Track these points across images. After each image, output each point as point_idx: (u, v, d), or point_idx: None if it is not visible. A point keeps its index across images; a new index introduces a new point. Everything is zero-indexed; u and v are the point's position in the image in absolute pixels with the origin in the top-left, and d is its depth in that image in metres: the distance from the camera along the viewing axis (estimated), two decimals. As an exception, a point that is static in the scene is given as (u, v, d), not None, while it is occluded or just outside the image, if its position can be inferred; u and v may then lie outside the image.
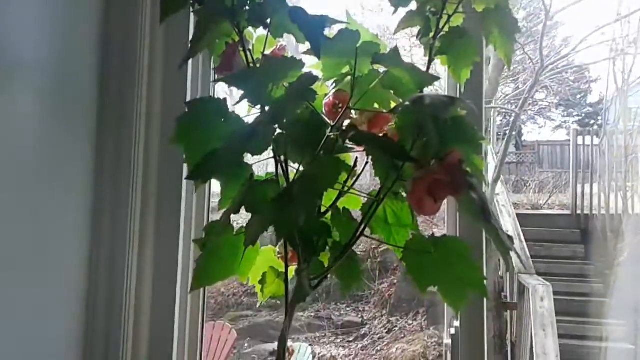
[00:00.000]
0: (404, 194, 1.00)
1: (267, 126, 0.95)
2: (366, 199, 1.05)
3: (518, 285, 4.60)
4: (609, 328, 5.20)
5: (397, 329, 6.15)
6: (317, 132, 0.99)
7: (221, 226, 0.99)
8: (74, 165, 1.29)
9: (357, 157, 1.10)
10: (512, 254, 0.82)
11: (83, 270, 1.30)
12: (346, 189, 1.07)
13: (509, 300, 4.87)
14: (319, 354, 6.01)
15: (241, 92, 1.00)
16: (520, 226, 5.55)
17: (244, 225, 1.07)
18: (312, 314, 6.48)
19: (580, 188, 6.88)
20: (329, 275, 1.02)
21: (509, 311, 4.88)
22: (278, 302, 6.87)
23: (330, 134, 0.96)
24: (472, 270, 0.89)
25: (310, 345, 5.98)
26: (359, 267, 1.04)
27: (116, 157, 1.30)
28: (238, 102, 1.03)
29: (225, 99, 1.10)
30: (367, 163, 1.08)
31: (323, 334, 6.30)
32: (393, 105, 1.04)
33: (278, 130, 1.03)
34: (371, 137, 0.87)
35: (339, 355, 5.97)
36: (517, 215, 5.84)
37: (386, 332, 6.16)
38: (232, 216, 1.02)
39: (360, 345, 6.05)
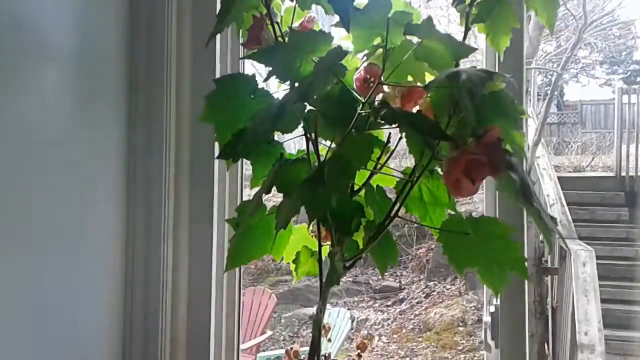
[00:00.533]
0: (440, 172, 0.95)
1: (296, 103, 0.91)
2: (401, 177, 1.01)
3: (559, 249, 4.51)
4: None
5: (435, 293, 6.14)
6: (348, 109, 0.95)
7: (253, 206, 0.97)
8: (105, 150, 1.28)
9: (390, 133, 1.06)
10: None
11: (119, 251, 1.30)
12: (379, 166, 1.04)
13: (549, 265, 4.79)
14: (357, 317, 6.05)
15: (269, 68, 0.97)
16: (562, 189, 5.41)
17: (277, 204, 1.05)
18: (350, 279, 6.50)
19: (624, 149, 6.65)
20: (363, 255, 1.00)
21: (549, 276, 4.80)
22: (316, 267, 6.96)
23: (362, 110, 0.92)
24: (512, 252, 0.85)
25: (348, 309, 6.03)
26: (394, 247, 1.01)
27: (147, 139, 1.29)
28: (267, 79, 0.99)
29: (254, 75, 1.06)
30: (400, 139, 1.04)
31: (361, 299, 6.34)
32: (428, 78, 0.99)
33: (308, 107, 1.00)
34: (404, 115, 0.82)
35: (377, 319, 6.01)
36: (559, 178, 5.70)
37: (424, 297, 6.16)
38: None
39: (398, 310, 6.07)
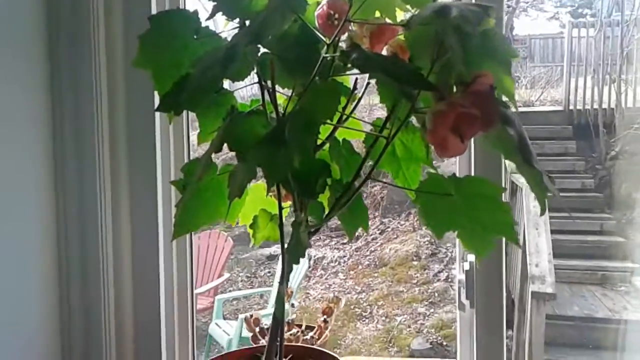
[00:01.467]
0: (415, 123, 0.83)
1: (248, 45, 0.76)
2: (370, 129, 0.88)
3: (510, 184, 4.52)
4: (600, 222, 5.21)
5: (389, 229, 6.15)
6: (309, 51, 0.79)
7: (201, 167, 0.82)
8: (25, 103, 1.09)
9: (356, 79, 0.91)
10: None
11: (51, 226, 1.13)
12: (345, 117, 0.90)
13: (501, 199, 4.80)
14: (314, 256, 6.04)
15: (214, 3, 0.81)
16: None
17: (228, 161, 0.91)
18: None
19: (573, 82, 6.67)
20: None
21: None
22: (272, 207, 6.87)
23: (326, 53, 0.77)
24: (500, 214, 0.74)
25: (305, 248, 5.98)
26: (364, 210, 0.89)
27: (74, 89, 1.09)
28: (211, 16, 0.83)
29: (196, 12, 0.89)
30: (368, 85, 0.90)
31: (317, 237, 6.31)
32: (399, 15, 0.84)
33: (262, 50, 0.85)
34: (379, 60, 0.68)
35: (334, 257, 6.01)
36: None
37: (379, 233, 6.17)
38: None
39: (354, 247, 6.08)
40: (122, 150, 1.12)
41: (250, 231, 0.96)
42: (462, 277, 1.12)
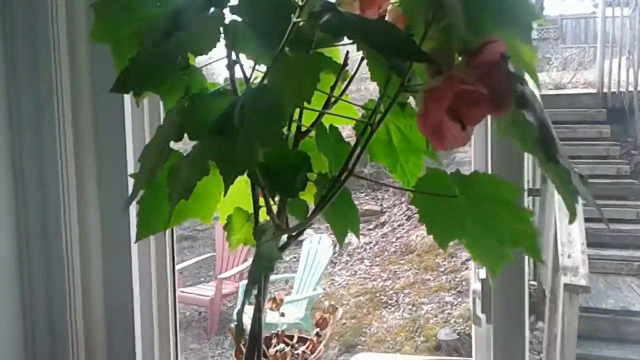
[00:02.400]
0: (414, 106, 0.66)
1: (206, 9, 0.60)
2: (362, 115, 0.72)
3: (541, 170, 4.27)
4: (636, 210, 4.92)
5: (416, 216, 5.96)
6: (281, 17, 0.63)
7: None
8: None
9: (347, 52, 0.75)
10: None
11: (10, 229, 0.99)
12: (333, 100, 0.74)
13: (532, 186, 4.57)
14: (340, 242, 5.88)
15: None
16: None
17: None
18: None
19: (607, 64, 6.32)
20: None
21: (531, 197, 4.60)
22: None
23: (299, 19, 0.60)
24: (518, 222, 0.57)
25: (330, 234, 5.86)
26: (354, 209, 0.73)
27: (31, 68, 0.94)
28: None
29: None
30: (363, 60, 0.74)
31: (344, 223, 6.15)
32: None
33: (230, 17, 0.69)
34: (356, 24, 0.51)
35: (359, 243, 5.86)
36: (540, 96, 5.39)
37: (406, 219, 5.99)
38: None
39: (380, 233, 5.91)
40: (88, 139, 0.98)
41: (225, 233, 0.81)
42: (478, 286, 0.95)
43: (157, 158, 0.66)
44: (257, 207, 0.74)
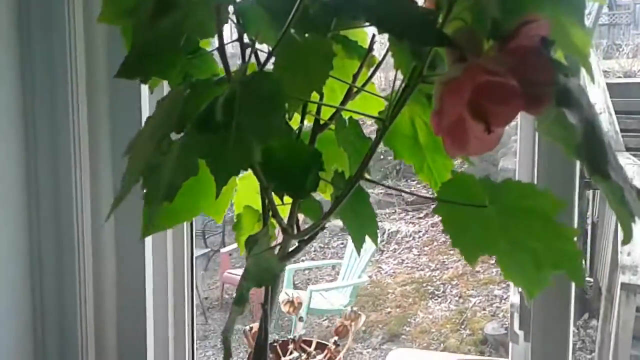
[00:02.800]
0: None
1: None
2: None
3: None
4: None
5: (469, 205, 5.77)
6: (290, -5, 0.55)
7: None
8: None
9: (374, 35, 0.66)
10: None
11: (22, 218, 0.95)
12: (355, 90, 0.66)
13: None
14: (388, 230, 5.79)
15: None
16: (610, 97, 4.82)
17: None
18: (382, 191, 6.19)
19: (682, 51, 5.90)
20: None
21: (591, 190, 4.35)
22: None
23: (306, -3, 0.52)
24: (559, 241, 0.47)
25: (379, 222, 5.76)
26: (370, 212, 0.64)
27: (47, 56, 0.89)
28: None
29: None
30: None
31: (393, 211, 6.05)
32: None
33: (242, -4, 0.62)
34: (365, 0, 0.43)
35: (408, 231, 5.74)
36: (607, 84, 5.08)
37: (457, 209, 5.81)
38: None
39: (430, 222, 5.76)
40: (104, 130, 0.92)
41: (236, 234, 0.74)
42: (517, 299, 0.85)
43: (154, 151, 0.59)
44: (265, 207, 0.67)
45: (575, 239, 0.47)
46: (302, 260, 5.47)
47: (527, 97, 0.37)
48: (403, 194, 6.15)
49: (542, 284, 0.50)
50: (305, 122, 0.72)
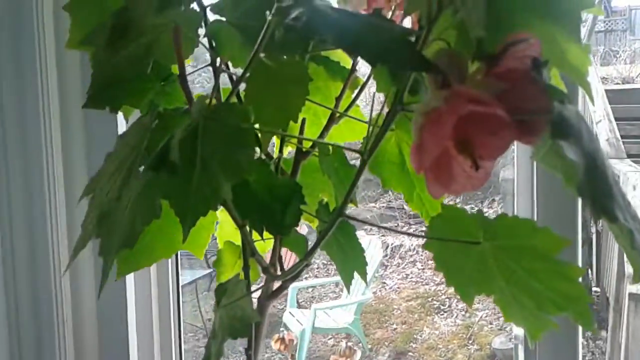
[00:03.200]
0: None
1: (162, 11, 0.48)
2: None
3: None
4: None
5: (472, 218, 5.71)
6: (259, 17, 0.50)
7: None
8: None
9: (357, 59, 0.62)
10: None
11: None
12: (338, 115, 0.61)
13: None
14: (391, 244, 5.73)
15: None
16: (610, 103, 4.78)
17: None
18: (384, 205, 6.14)
19: (680, 56, 5.87)
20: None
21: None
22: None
23: (274, 15, 0.47)
24: (562, 282, 0.42)
25: (382, 236, 5.71)
26: (358, 247, 0.59)
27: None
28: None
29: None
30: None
31: (395, 224, 5.98)
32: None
33: (213, 16, 0.57)
34: (334, 20, 0.38)
35: (411, 245, 5.67)
36: (606, 91, 5.05)
37: (460, 221, 5.74)
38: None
39: (433, 236, 5.69)
40: (79, 162, 0.87)
41: (217, 271, 0.69)
42: (520, 331, 0.79)
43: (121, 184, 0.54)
44: (245, 243, 0.62)
45: (578, 279, 0.42)
46: (305, 278, 5.40)
47: (518, 126, 0.33)
48: (405, 207, 6.08)
49: (545, 326, 0.46)
50: (290, 149, 0.67)
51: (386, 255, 5.49)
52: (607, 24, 9.33)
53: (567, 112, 0.32)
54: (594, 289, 4.47)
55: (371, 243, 4.83)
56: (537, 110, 0.32)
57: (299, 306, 4.76)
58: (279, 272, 0.59)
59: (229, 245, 0.67)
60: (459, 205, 0.48)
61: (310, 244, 0.58)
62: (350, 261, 0.59)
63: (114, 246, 0.42)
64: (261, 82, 0.48)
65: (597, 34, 8.61)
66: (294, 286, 4.69)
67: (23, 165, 0.84)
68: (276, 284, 0.62)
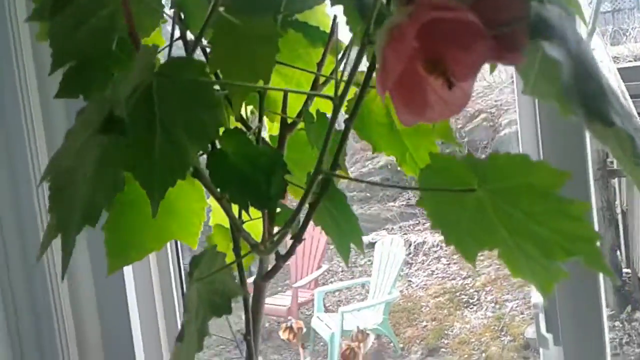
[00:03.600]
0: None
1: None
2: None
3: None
4: None
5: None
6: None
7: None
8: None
9: (335, 17, 0.58)
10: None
11: None
12: (321, 80, 0.57)
13: (615, 166, 4.15)
14: (414, 242, 5.65)
15: None
16: (623, 82, 4.67)
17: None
18: (404, 203, 6.07)
19: (692, 28, 5.73)
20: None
21: (617, 178, 4.18)
22: (368, 194, 6.47)
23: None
24: (566, 220, 0.38)
25: (404, 234, 5.64)
26: (351, 216, 0.55)
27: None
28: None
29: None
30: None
31: (417, 222, 5.91)
32: None
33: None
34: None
35: (434, 241, 5.59)
36: (619, 69, 4.93)
37: (482, 213, 5.65)
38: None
39: (456, 230, 5.60)
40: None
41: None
42: (539, 300, 0.74)
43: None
44: (235, 222, 0.58)
45: (584, 216, 0.37)
46: (330, 282, 5.36)
47: (497, 43, 0.28)
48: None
49: (555, 276, 0.41)
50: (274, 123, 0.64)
51: (410, 253, 5.41)
52: (614, 3, 9.17)
53: (547, 12, 0.28)
54: (624, 270, 4.34)
55: (393, 242, 4.78)
56: (513, 20, 0.28)
57: (327, 310, 4.71)
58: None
59: (219, 229, 0.63)
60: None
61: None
62: (345, 232, 0.55)
63: (73, 223, 0.39)
64: (227, 42, 0.45)
65: (604, 14, 8.45)
66: (320, 291, 4.65)
67: (7, 160, 0.82)
68: (271, 264, 0.59)
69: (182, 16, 0.54)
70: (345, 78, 0.42)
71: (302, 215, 0.55)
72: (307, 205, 0.55)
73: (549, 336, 0.73)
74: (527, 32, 0.29)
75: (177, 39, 0.57)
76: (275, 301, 4.93)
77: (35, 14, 0.47)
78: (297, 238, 0.55)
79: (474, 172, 0.40)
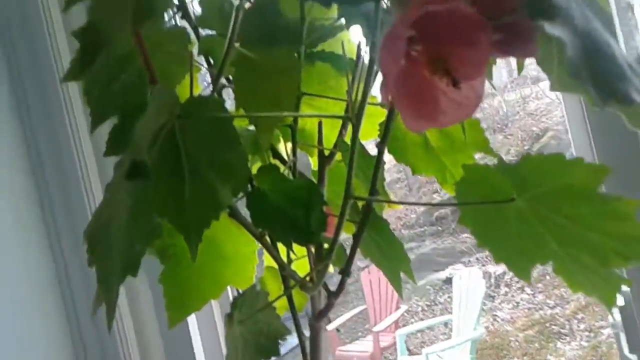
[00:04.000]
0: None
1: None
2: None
3: None
4: None
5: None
6: None
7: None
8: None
9: (359, 43, 0.58)
10: None
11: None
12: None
13: None
14: (494, 273, 5.43)
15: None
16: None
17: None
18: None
19: None
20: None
21: None
22: (439, 227, 6.31)
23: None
24: (615, 221, 0.35)
25: (482, 265, 5.44)
26: (394, 241, 0.53)
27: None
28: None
29: None
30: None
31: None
32: None
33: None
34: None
35: (516, 271, 5.35)
36: None
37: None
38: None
39: (537, 257, 5.35)
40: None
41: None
42: (618, 318, 0.68)
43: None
44: (282, 264, 0.57)
45: (633, 213, 0.34)
46: (411, 323, 5.21)
47: (501, 32, 0.27)
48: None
49: (616, 285, 0.38)
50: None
51: (490, 286, 5.20)
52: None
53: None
54: None
55: (471, 275, 4.60)
56: (512, 8, 0.27)
57: (410, 353, 4.57)
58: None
59: (270, 270, 0.63)
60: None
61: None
62: (393, 260, 0.53)
63: (115, 274, 0.39)
64: (249, 77, 0.45)
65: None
66: (401, 333, 4.52)
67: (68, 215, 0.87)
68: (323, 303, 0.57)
69: (212, 61, 0.56)
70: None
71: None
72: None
73: (634, 357, 0.66)
74: (530, 20, 0.27)
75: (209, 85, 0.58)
76: (357, 347, 4.83)
77: (68, 74, 0.49)
78: (345, 272, 0.54)
79: (510, 179, 0.38)
